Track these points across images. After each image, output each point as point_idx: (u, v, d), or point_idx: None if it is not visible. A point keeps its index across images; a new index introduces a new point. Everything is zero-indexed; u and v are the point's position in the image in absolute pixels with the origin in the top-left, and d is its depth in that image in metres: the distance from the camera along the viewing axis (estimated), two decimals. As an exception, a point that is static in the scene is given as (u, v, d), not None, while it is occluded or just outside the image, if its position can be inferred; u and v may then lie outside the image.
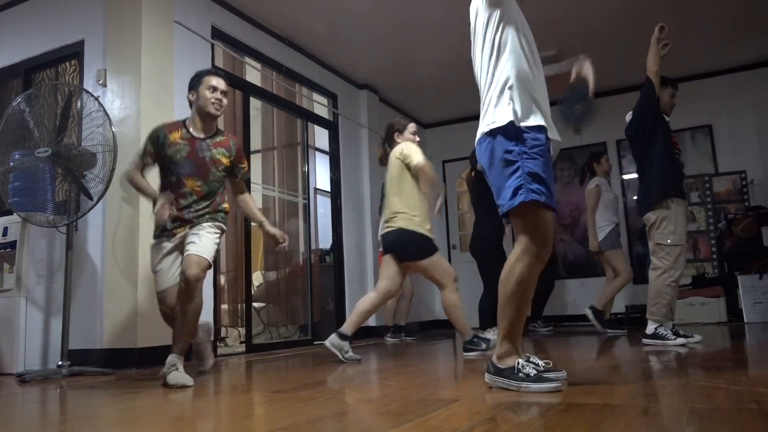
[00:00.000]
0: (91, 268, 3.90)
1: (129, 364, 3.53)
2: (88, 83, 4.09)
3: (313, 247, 5.83)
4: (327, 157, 6.19)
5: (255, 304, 5.24)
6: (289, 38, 5.41)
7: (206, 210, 2.92)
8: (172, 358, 2.71)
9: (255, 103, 5.30)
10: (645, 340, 3.67)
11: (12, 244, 3.81)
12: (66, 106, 3.52)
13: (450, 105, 7.43)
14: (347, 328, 3.46)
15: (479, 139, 2.08)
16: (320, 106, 6.04)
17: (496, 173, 2.01)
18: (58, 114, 3.55)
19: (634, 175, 6.92)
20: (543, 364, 2.03)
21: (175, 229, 2.89)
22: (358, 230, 6.25)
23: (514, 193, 1.93)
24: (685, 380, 2.12)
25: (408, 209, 3.44)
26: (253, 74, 5.17)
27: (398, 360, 3.62)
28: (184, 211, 2.88)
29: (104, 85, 3.99)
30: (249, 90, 5.04)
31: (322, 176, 6.32)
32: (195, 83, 2.97)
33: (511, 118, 1.96)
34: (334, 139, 6.15)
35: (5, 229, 3.88)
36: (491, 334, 4.09)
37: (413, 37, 5.57)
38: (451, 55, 5.96)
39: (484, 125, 2.04)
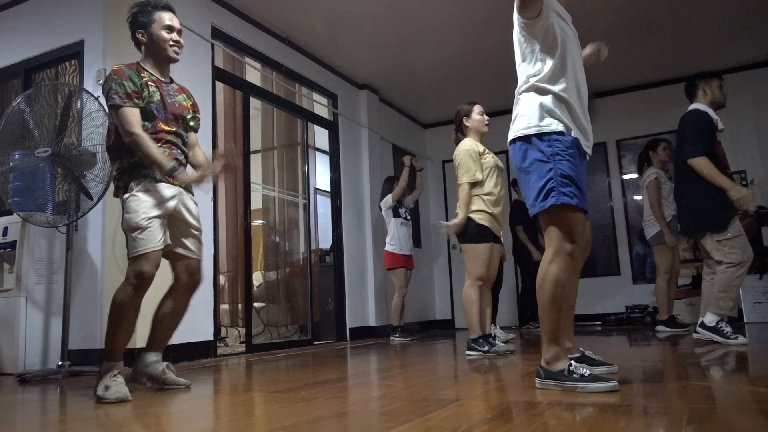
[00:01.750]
0: (91, 268, 3.90)
1: (129, 364, 3.51)
2: (88, 83, 4.09)
3: (313, 247, 5.83)
4: (327, 157, 6.19)
5: (255, 304, 5.23)
6: (289, 38, 5.41)
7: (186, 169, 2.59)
8: (158, 357, 2.56)
9: (255, 103, 5.29)
10: (700, 330, 3.69)
11: (12, 244, 3.81)
12: (66, 106, 3.52)
13: (450, 105, 7.39)
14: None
15: (512, 140, 2.09)
16: (320, 106, 6.04)
17: (527, 175, 2.04)
18: (58, 114, 3.55)
19: (634, 175, 6.94)
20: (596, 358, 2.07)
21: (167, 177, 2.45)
22: (358, 230, 6.25)
23: (546, 195, 1.97)
24: (685, 380, 2.12)
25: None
26: (253, 74, 5.17)
27: (398, 360, 3.62)
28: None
29: (104, 85, 3.99)
30: (249, 90, 5.04)
31: (322, 176, 6.33)
32: (144, 20, 2.53)
33: (543, 122, 2.01)
34: (334, 139, 6.15)
35: (5, 229, 3.88)
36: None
37: (413, 37, 5.57)
38: (451, 55, 5.96)
39: (518, 128, 2.07)
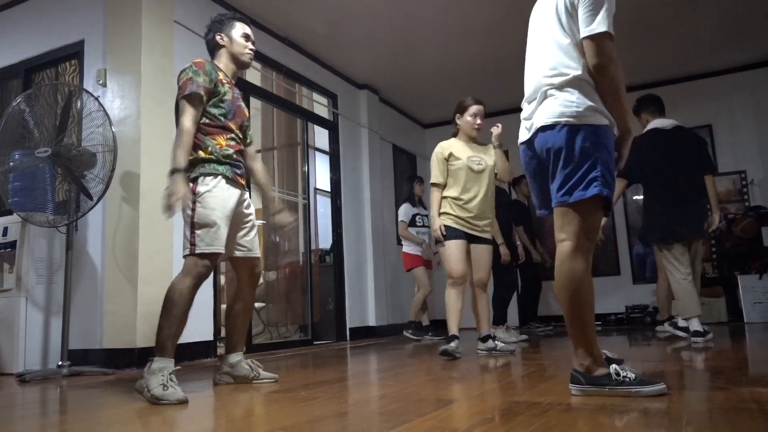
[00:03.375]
0: (91, 268, 3.90)
1: (129, 364, 3.53)
2: (88, 83, 4.09)
3: (313, 247, 5.82)
4: (327, 157, 6.19)
5: (255, 304, 5.23)
6: (289, 38, 5.41)
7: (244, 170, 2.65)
8: (241, 357, 2.65)
9: (255, 103, 5.29)
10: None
11: (12, 244, 3.81)
12: (66, 106, 3.52)
13: (450, 105, 7.35)
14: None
15: (551, 124, 1.91)
16: (320, 106, 6.03)
17: (566, 162, 1.88)
18: (58, 114, 3.56)
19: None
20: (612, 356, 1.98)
21: (237, 176, 2.53)
22: (358, 230, 6.25)
23: (589, 185, 1.84)
24: (685, 380, 2.12)
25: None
26: (253, 74, 5.17)
27: (398, 360, 3.62)
28: (239, 162, 2.56)
29: (104, 85, 3.99)
30: (249, 90, 5.04)
31: (322, 176, 6.32)
32: (226, 27, 2.70)
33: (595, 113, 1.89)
34: (334, 139, 6.14)
35: (5, 229, 3.88)
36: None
37: (413, 37, 5.57)
38: (451, 55, 5.96)
39: (563, 113, 1.89)
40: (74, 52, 4.29)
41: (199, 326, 4.05)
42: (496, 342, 3.63)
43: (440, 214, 3.58)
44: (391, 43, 5.67)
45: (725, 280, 5.82)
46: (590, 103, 1.88)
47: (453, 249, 3.52)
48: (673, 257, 3.98)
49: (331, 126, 6.14)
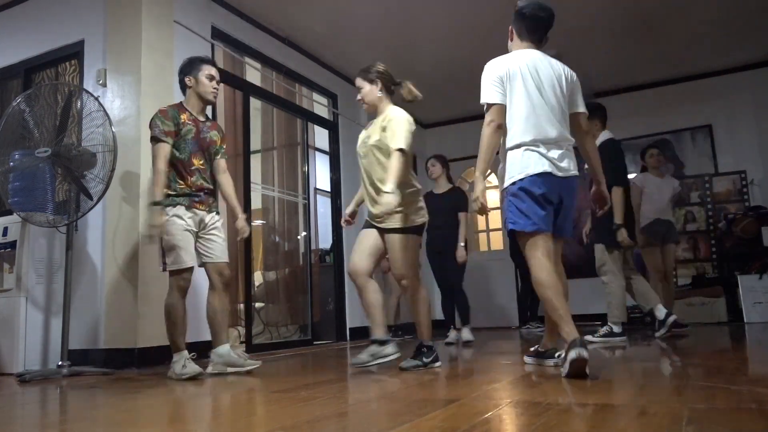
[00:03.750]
0: (91, 268, 3.90)
1: (129, 364, 3.53)
2: (88, 83, 4.09)
3: (313, 247, 5.82)
4: (327, 157, 6.19)
5: (255, 304, 5.23)
6: (289, 38, 5.41)
7: (213, 193, 3.21)
8: (227, 348, 3.12)
9: (255, 103, 5.29)
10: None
11: (12, 244, 3.81)
12: (66, 106, 3.52)
13: (450, 105, 7.43)
14: None
15: (573, 177, 2.55)
16: (320, 106, 6.03)
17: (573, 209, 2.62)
18: (58, 114, 3.55)
19: (633, 175, 6.93)
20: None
21: (195, 204, 3.06)
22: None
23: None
24: (685, 380, 2.12)
25: None
26: (253, 74, 5.17)
27: (398, 360, 3.61)
28: (200, 191, 3.10)
29: (104, 85, 3.99)
30: (249, 90, 5.04)
31: (322, 176, 6.32)
32: (193, 69, 3.17)
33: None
34: (334, 139, 6.14)
35: (5, 229, 3.88)
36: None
37: (413, 37, 5.57)
38: (450, 55, 5.96)
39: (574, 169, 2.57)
40: (74, 52, 4.29)
41: (199, 326, 4.05)
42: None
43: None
44: (391, 43, 5.67)
45: (725, 280, 5.81)
46: None
47: (360, 238, 3.18)
48: (614, 261, 4.43)
49: (331, 126, 6.14)
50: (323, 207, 6.43)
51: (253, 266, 5.29)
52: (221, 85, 4.76)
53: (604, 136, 4.35)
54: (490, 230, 7.80)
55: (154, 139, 3.00)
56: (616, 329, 4.33)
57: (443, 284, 4.86)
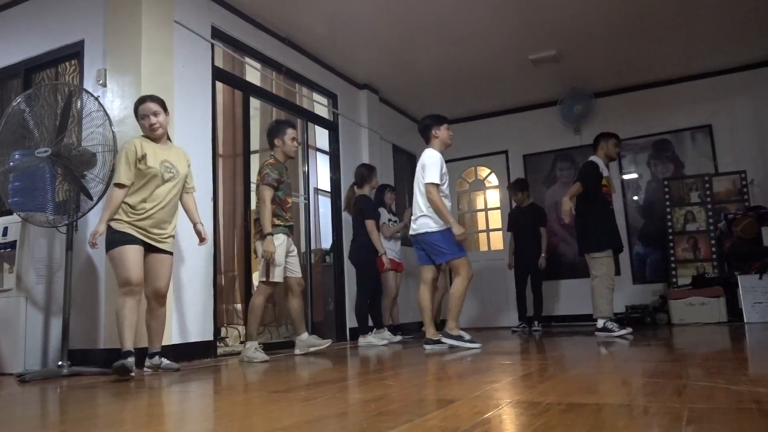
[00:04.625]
0: (91, 268, 3.90)
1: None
2: (88, 83, 4.09)
3: (313, 247, 5.82)
4: (327, 157, 6.19)
5: (255, 304, 5.22)
6: (289, 38, 5.41)
7: None
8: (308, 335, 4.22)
9: (255, 103, 5.29)
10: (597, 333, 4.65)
11: (12, 244, 3.81)
12: (66, 106, 3.52)
13: (450, 105, 7.43)
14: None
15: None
16: (320, 106, 6.03)
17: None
18: (58, 114, 3.55)
19: (635, 175, 6.94)
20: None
21: (289, 233, 4.10)
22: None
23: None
24: (685, 380, 2.12)
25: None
26: (253, 74, 5.17)
27: (398, 360, 3.62)
28: (291, 223, 4.16)
29: (104, 85, 3.99)
30: (249, 90, 5.04)
31: (322, 176, 6.32)
32: (281, 132, 4.12)
33: None
34: (334, 139, 6.14)
35: (5, 229, 3.88)
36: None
37: (413, 37, 5.57)
38: (450, 55, 5.96)
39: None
40: (74, 52, 4.29)
41: (199, 326, 4.06)
42: (162, 359, 3.39)
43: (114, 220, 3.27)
44: (391, 43, 5.67)
45: (725, 280, 5.81)
46: None
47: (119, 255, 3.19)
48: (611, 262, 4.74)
49: (331, 126, 6.14)
50: (323, 207, 6.42)
51: (253, 266, 5.29)
52: (221, 84, 4.79)
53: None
54: (490, 230, 7.80)
55: (267, 185, 3.89)
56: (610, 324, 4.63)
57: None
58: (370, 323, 5.28)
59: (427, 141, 4.24)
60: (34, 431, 1.81)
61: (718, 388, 1.89)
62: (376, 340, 5.04)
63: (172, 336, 3.79)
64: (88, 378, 3.22)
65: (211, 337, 4.14)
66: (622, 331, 4.54)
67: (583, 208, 4.77)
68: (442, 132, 4.21)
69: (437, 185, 3.98)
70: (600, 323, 4.63)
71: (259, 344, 3.94)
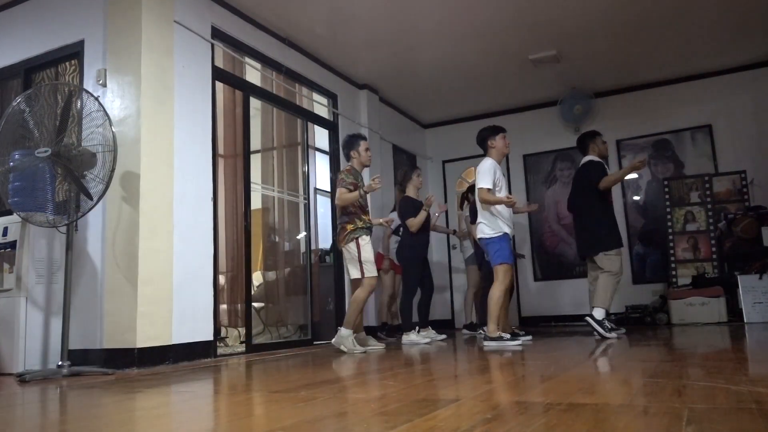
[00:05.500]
0: (91, 268, 3.90)
1: (129, 364, 3.53)
2: (88, 83, 4.09)
3: (313, 247, 5.82)
4: (327, 157, 6.19)
5: (255, 304, 5.23)
6: (289, 38, 5.41)
7: None
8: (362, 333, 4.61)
9: (255, 103, 5.29)
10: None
11: (12, 244, 3.81)
12: (66, 106, 3.52)
13: (450, 105, 7.44)
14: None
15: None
16: (320, 106, 6.03)
17: None
18: (58, 114, 3.55)
19: (635, 175, 6.94)
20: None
21: (369, 230, 4.44)
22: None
23: None
24: (685, 380, 2.12)
25: None
26: (253, 74, 5.17)
27: (398, 360, 3.62)
28: (371, 225, 4.51)
29: (104, 85, 3.99)
30: (249, 90, 5.04)
31: (322, 176, 6.32)
32: (355, 144, 4.53)
33: None
34: (334, 139, 6.14)
35: (5, 229, 3.88)
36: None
37: (413, 37, 5.57)
38: (450, 55, 5.96)
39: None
40: (74, 52, 4.28)
41: (199, 326, 4.06)
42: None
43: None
44: (391, 43, 5.67)
45: (725, 280, 5.81)
46: None
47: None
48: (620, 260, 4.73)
49: (331, 126, 6.14)
50: (323, 207, 6.42)
51: (253, 266, 5.29)
52: (221, 84, 4.79)
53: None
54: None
55: (343, 188, 4.30)
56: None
57: None
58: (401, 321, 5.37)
59: (485, 151, 4.45)
60: (34, 431, 1.81)
61: (718, 388, 1.89)
62: (419, 338, 4.96)
63: (172, 336, 3.79)
64: (88, 378, 3.22)
65: (211, 337, 4.14)
66: (613, 334, 4.46)
67: (590, 208, 4.78)
68: (497, 141, 4.41)
69: (489, 189, 4.22)
70: (599, 314, 4.53)
71: (354, 333, 4.34)
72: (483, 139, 4.47)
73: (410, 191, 5.35)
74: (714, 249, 6.16)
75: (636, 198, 6.96)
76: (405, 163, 7.55)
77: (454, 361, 3.47)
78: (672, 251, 6.30)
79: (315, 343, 5.45)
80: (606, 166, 4.91)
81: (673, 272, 6.24)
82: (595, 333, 4.51)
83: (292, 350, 4.80)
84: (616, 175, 4.88)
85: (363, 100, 6.59)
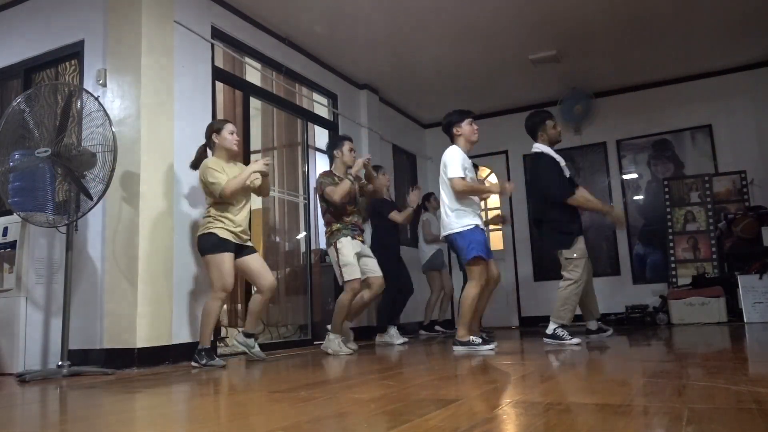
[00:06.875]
0: (91, 268, 3.90)
1: (129, 364, 3.53)
2: (88, 83, 4.09)
3: (313, 247, 5.82)
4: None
5: (255, 304, 5.22)
6: (289, 38, 5.41)
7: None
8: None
9: (255, 103, 5.29)
10: (545, 339, 4.13)
11: (12, 244, 3.81)
12: (66, 106, 3.52)
13: (450, 105, 7.34)
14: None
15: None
16: (320, 106, 6.03)
17: None
18: (58, 114, 3.55)
19: (634, 175, 6.94)
20: None
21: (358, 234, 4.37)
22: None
23: None
24: (685, 380, 2.12)
25: None
26: (253, 74, 5.17)
27: (398, 360, 3.62)
28: (358, 227, 4.39)
29: (104, 85, 3.99)
30: (249, 90, 5.04)
31: (321, 176, 6.31)
32: (338, 144, 4.39)
33: None
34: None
35: (5, 229, 3.88)
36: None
37: (413, 37, 5.57)
38: (450, 55, 5.96)
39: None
40: (74, 52, 4.28)
41: (199, 326, 4.05)
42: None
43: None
44: (391, 43, 5.67)
45: (725, 280, 5.81)
46: None
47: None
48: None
49: (332, 126, 6.14)
50: (323, 207, 6.41)
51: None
52: (221, 84, 4.78)
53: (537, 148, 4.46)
54: (489, 230, 7.79)
55: (330, 185, 4.19)
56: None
57: None
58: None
59: (452, 140, 4.01)
60: (34, 431, 1.81)
61: (718, 388, 1.89)
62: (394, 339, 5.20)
63: (172, 336, 3.79)
64: (88, 378, 3.22)
65: (210, 337, 4.13)
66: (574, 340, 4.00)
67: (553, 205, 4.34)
68: (464, 128, 3.94)
69: (462, 178, 3.79)
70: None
71: (342, 337, 4.28)
72: (448, 125, 3.98)
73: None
74: (714, 249, 6.16)
75: (636, 198, 6.96)
76: (405, 163, 7.57)
77: (454, 361, 3.47)
78: (672, 251, 6.30)
79: (315, 343, 5.44)
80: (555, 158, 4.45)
81: (673, 272, 6.24)
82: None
83: (292, 350, 4.80)
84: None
85: (363, 100, 6.59)
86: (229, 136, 3.80)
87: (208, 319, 3.60)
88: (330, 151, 4.48)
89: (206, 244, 3.58)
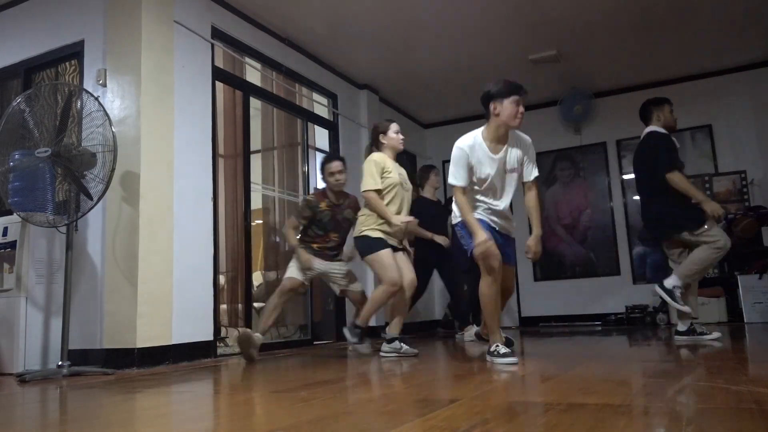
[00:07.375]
0: (91, 268, 3.90)
1: (129, 364, 3.53)
2: (88, 83, 4.09)
3: (313, 247, 5.81)
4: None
5: (255, 304, 5.23)
6: (289, 38, 5.41)
7: (339, 253, 4.20)
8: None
9: (255, 103, 5.29)
10: (676, 337, 3.87)
11: (12, 244, 3.81)
12: (66, 106, 3.52)
13: (450, 105, 7.43)
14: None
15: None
16: (320, 106, 6.03)
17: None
18: (58, 114, 3.55)
19: (631, 176, 6.93)
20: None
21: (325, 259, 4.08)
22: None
23: None
24: (685, 380, 2.12)
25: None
26: (253, 74, 5.17)
27: (398, 360, 3.62)
28: (326, 252, 4.09)
29: (104, 85, 3.99)
30: (249, 90, 5.04)
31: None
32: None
33: None
34: (334, 139, 6.14)
35: (5, 229, 3.88)
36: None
37: (413, 37, 5.57)
38: (451, 55, 5.96)
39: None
40: (74, 52, 4.28)
41: (199, 326, 4.05)
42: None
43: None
44: (391, 43, 5.67)
45: (725, 280, 5.81)
46: None
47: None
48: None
49: (331, 126, 6.14)
50: (323, 207, 6.41)
51: (253, 266, 5.29)
52: (221, 84, 4.78)
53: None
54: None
55: (295, 218, 4.18)
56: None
57: None
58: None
59: (486, 117, 3.37)
60: (34, 431, 1.81)
61: (718, 388, 1.89)
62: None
63: (172, 336, 3.79)
64: (88, 378, 3.22)
65: (211, 337, 4.14)
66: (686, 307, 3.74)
67: (663, 188, 4.05)
68: (506, 106, 3.26)
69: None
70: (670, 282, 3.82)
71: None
72: (487, 98, 3.36)
73: (427, 192, 5.41)
74: (714, 249, 6.15)
75: (636, 198, 6.95)
76: (405, 163, 7.56)
77: (454, 361, 3.47)
78: (672, 251, 6.29)
79: (315, 343, 5.44)
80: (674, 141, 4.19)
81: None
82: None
83: (292, 350, 4.80)
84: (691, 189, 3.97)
85: (363, 100, 6.59)
86: (395, 135, 3.91)
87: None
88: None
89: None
